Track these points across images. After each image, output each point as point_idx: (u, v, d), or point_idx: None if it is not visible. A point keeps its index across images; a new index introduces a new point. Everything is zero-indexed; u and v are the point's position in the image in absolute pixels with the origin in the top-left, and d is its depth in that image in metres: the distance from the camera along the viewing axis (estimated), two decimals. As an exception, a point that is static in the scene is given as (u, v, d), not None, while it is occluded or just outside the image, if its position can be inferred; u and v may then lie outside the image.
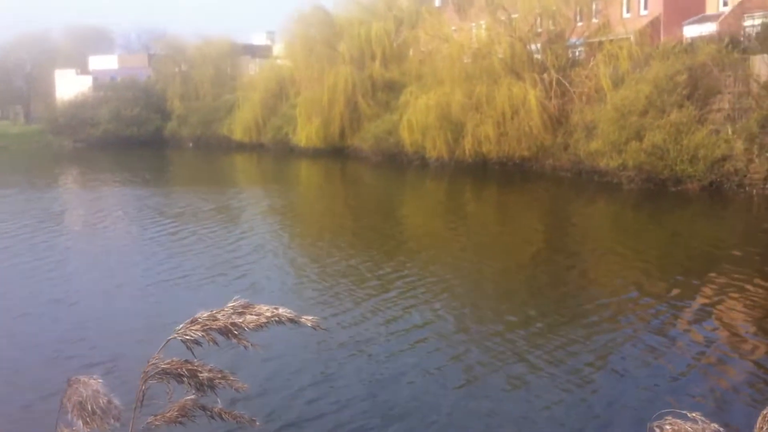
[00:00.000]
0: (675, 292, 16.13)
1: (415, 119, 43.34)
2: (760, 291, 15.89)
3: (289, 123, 58.88)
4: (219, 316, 3.49)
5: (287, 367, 11.80)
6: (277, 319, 3.26)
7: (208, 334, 3.55)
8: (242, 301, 3.51)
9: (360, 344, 12.90)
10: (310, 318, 3.41)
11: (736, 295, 15.40)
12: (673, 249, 21.18)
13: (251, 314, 3.35)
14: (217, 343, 3.44)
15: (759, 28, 32.45)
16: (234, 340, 3.49)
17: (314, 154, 54.73)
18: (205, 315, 3.58)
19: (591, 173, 35.00)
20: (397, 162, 47.33)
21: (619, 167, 32.13)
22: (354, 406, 10.46)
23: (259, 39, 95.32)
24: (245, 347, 3.44)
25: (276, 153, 60.14)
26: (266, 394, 10.73)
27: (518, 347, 12.52)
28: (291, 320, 3.33)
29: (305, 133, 54.73)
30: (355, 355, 12.38)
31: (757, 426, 3.31)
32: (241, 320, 3.35)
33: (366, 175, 46.02)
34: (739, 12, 41.24)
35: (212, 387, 3.53)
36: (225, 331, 3.47)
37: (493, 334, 13.26)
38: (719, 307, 14.79)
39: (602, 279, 17.98)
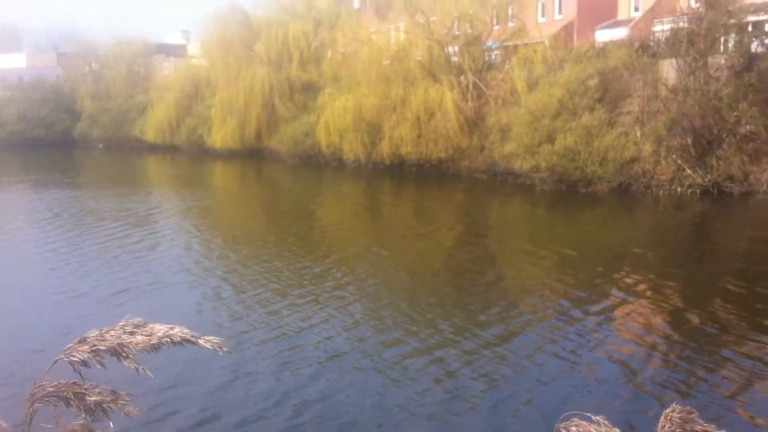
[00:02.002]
0: (586, 292, 16.40)
1: (332, 121, 43.22)
2: (666, 290, 16.33)
3: (204, 124, 57.99)
4: (108, 335, 3.27)
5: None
6: (169, 339, 3.05)
7: (96, 355, 3.32)
8: (135, 320, 3.29)
9: (286, 355, 12.66)
10: (211, 339, 3.20)
11: (643, 295, 15.77)
12: (584, 249, 21.57)
13: (142, 334, 3.14)
14: (103, 366, 3.21)
15: (668, 33, 33.40)
16: (125, 363, 3.27)
17: (230, 155, 53.99)
18: (94, 334, 3.35)
19: (505, 175, 35.49)
20: (315, 164, 47.08)
21: (533, 169, 32.65)
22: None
23: (174, 38, 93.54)
24: (136, 370, 3.23)
25: (190, 154, 59.12)
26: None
27: (432, 347, 12.49)
28: (187, 341, 3.13)
29: (221, 135, 53.99)
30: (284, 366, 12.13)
31: (660, 425, 3.31)
32: (130, 340, 3.14)
33: (283, 178, 45.57)
34: (649, 17, 42.48)
35: (103, 410, 3.31)
36: (115, 352, 3.26)
37: (397, 336, 13.21)
38: (627, 307, 15.09)
39: (516, 280, 18.16)
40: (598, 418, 3.21)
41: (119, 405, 3.25)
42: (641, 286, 16.41)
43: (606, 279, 17.51)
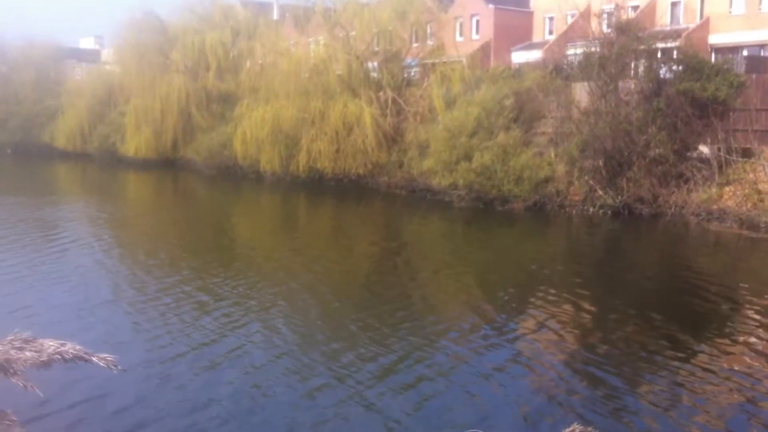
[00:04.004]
0: (501, 310, 16.53)
1: (250, 132, 42.78)
2: (580, 309, 16.57)
3: (117, 132, 56.69)
4: (-6, 351, 3.02)
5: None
6: (60, 356, 2.83)
7: (-19, 372, 3.07)
8: (24, 335, 3.06)
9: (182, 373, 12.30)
10: (104, 356, 3.01)
11: (558, 314, 15.94)
12: (499, 267, 21.80)
13: (31, 350, 2.91)
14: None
15: (580, 56, 34.23)
16: (13, 380, 3.03)
17: (144, 165, 52.76)
18: (-22, 349, 3.09)
19: (424, 191, 35.70)
20: (232, 175, 46.43)
21: (450, 186, 32.92)
22: None
23: (87, 43, 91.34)
24: (24, 387, 2.99)
25: (102, 163, 57.60)
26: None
27: (340, 364, 12.34)
28: (79, 358, 2.91)
29: (134, 143, 52.83)
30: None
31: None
32: (18, 356, 2.90)
33: (199, 189, 44.72)
34: (563, 41, 43.53)
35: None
36: (1, 368, 3.01)
37: (322, 354, 13.03)
38: (541, 325, 15.21)
39: (430, 297, 18.17)
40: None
41: (4, 425, 3.02)
42: (556, 305, 16.59)
43: (521, 297, 17.68)
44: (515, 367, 12.67)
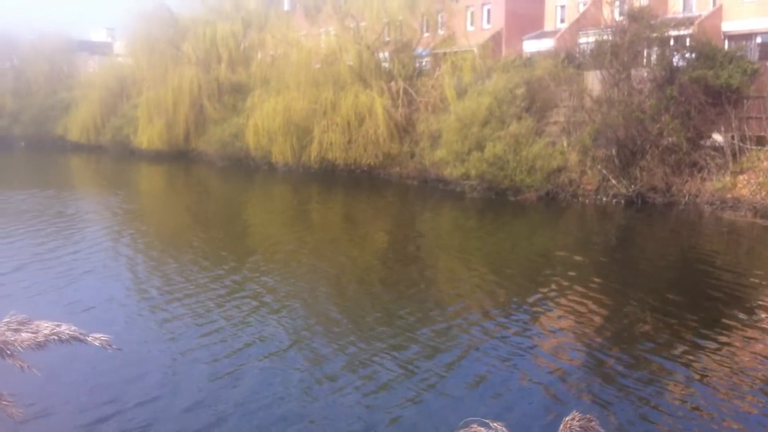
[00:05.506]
0: (513, 300, 16.51)
1: (262, 123, 42.79)
2: (593, 297, 16.50)
3: (129, 124, 56.80)
4: (-9, 333, 3.00)
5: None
6: (56, 337, 2.81)
7: (-22, 354, 3.05)
8: (20, 317, 3.03)
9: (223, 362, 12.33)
10: (99, 336, 2.98)
11: (572, 301, 15.91)
12: (515, 257, 21.75)
13: (27, 331, 2.89)
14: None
15: (593, 45, 34.01)
16: (9, 361, 3.01)
17: (157, 157, 52.83)
18: (-24, 332, 3.08)
19: (436, 181, 35.63)
20: (244, 167, 46.43)
21: (463, 176, 32.82)
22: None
23: (98, 35, 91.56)
24: (21, 368, 2.97)
25: (115, 155, 57.75)
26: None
27: (358, 352, 12.35)
28: (75, 338, 2.89)
29: (147, 135, 52.89)
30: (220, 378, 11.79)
31: (559, 432, 3.25)
32: (15, 338, 2.88)
33: (213, 181, 44.70)
34: (575, 29, 43.21)
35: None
36: (-2, 351, 2.99)
37: (332, 342, 13.04)
38: (553, 315, 15.21)
39: (445, 286, 18.17)
40: (496, 424, 3.13)
41: (1, 406, 3.00)
42: (573, 293, 16.54)
43: (538, 286, 17.65)
44: (534, 354, 12.66)
